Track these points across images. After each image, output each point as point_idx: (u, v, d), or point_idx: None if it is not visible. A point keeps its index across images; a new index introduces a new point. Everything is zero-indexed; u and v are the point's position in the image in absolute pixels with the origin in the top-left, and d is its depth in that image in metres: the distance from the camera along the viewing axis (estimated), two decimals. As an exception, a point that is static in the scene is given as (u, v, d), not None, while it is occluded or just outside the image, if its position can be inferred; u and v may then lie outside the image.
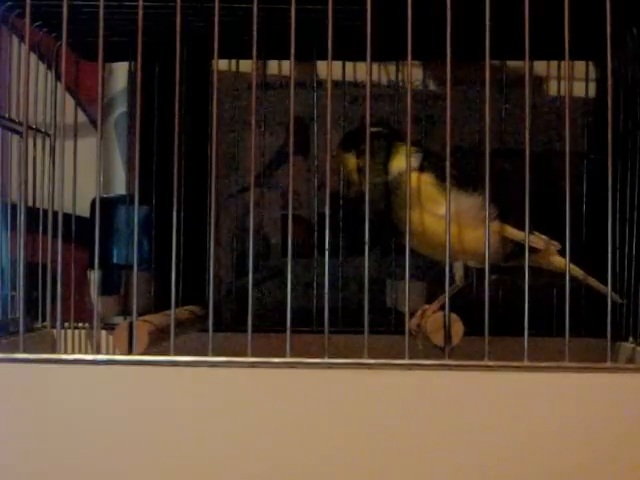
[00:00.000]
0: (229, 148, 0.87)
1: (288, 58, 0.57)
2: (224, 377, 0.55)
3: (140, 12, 0.57)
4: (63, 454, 0.55)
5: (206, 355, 0.56)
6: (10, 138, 0.69)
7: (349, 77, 0.84)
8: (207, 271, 0.57)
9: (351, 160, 0.66)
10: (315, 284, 0.81)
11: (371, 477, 0.54)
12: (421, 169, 0.64)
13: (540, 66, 0.84)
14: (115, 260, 0.84)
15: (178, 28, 0.57)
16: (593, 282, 0.66)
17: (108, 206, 0.83)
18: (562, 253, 0.63)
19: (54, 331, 0.71)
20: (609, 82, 0.57)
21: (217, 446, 0.55)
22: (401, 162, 0.64)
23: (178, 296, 0.59)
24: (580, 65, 0.83)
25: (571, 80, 0.81)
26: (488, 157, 0.57)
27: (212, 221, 0.59)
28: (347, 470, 0.54)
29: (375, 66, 0.86)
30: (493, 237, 0.62)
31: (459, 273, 0.65)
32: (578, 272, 0.65)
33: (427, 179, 0.64)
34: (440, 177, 0.63)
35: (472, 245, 0.63)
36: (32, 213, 0.68)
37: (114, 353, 0.60)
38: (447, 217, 0.57)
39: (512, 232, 0.64)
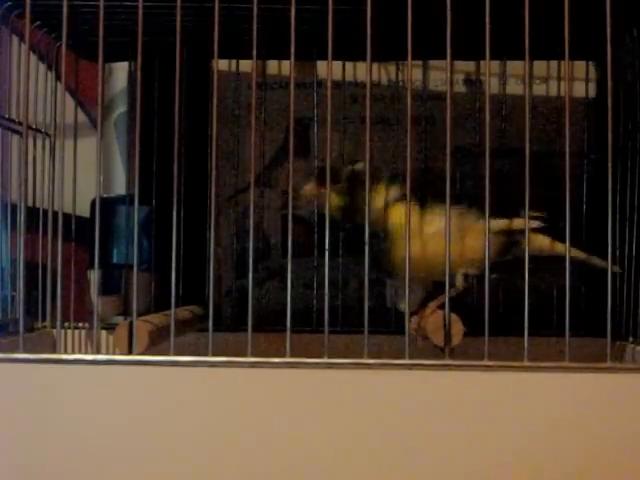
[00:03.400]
0: (229, 148, 0.87)
1: (288, 58, 0.57)
2: (224, 377, 0.55)
3: (140, 12, 0.57)
4: (63, 454, 0.55)
5: (206, 355, 0.56)
6: (10, 138, 0.69)
7: (349, 77, 0.84)
8: (207, 271, 0.57)
9: (333, 199, 0.65)
10: (315, 284, 0.81)
11: (371, 477, 0.54)
12: (403, 198, 0.64)
13: (540, 66, 0.84)
14: (115, 260, 0.84)
15: (178, 28, 0.56)
16: (596, 261, 0.66)
17: (108, 206, 0.84)
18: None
19: (54, 331, 0.71)
20: (609, 82, 0.57)
21: (217, 446, 0.55)
22: (382, 197, 0.65)
23: (178, 296, 0.59)
24: (580, 65, 0.83)
25: (571, 80, 0.81)
26: (488, 157, 0.57)
27: (212, 221, 0.59)
28: (347, 470, 0.54)
29: (375, 66, 0.86)
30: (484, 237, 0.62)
31: (460, 280, 0.65)
32: (579, 254, 0.65)
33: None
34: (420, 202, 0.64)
35: (471, 255, 0.63)
36: (32, 213, 0.68)
37: (114, 353, 0.60)
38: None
39: (499, 223, 0.65)
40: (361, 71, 0.84)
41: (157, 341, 0.60)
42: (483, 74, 0.85)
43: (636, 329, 0.66)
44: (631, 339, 0.67)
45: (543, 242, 0.66)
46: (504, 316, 0.69)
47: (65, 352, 0.69)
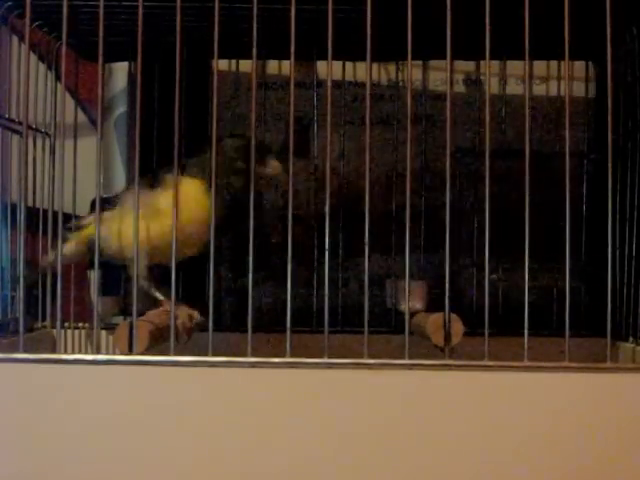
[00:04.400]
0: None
1: (288, 58, 0.57)
2: (224, 377, 0.55)
3: (140, 12, 0.57)
4: (63, 454, 0.55)
5: (206, 355, 0.56)
6: (10, 138, 0.69)
7: (349, 77, 0.84)
8: (207, 271, 0.57)
9: None
10: (315, 284, 0.81)
11: (371, 477, 0.54)
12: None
13: (540, 66, 0.84)
14: (115, 260, 0.83)
15: (178, 28, 0.57)
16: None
17: (108, 206, 0.83)
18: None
19: (54, 331, 0.71)
20: (609, 82, 0.57)
21: (217, 446, 0.55)
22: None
23: (178, 296, 0.59)
24: (580, 65, 0.83)
25: (571, 80, 0.81)
26: (488, 157, 0.57)
27: (212, 220, 0.59)
28: (347, 470, 0.54)
29: (375, 66, 0.86)
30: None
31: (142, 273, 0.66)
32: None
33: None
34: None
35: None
36: (32, 213, 0.68)
37: (114, 353, 0.60)
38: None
39: None
40: (361, 71, 0.84)
41: (157, 341, 0.60)
42: (483, 74, 0.85)
43: (636, 329, 0.66)
44: (631, 339, 0.67)
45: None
46: (504, 316, 0.69)
47: (65, 352, 0.69)
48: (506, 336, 0.62)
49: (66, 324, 0.74)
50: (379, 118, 0.86)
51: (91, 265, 0.76)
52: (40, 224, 0.69)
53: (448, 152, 0.57)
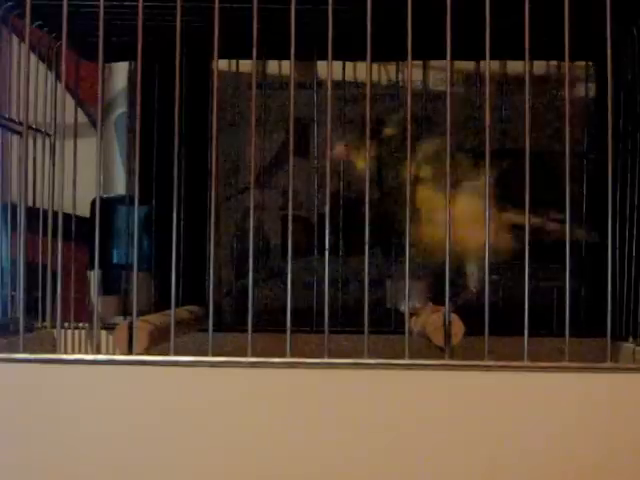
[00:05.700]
0: (229, 148, 0.87)
1: (288, 58, 0.57)
2: (224, 377, 0.55)
3: (140, 12, 0.57)
4: (63, 454, 0.55)
5: (206, 355, 0.56)
6: (10, 138, 0.69)
7: (349, 77, 0.84)
8: (207, 271, 0.57)
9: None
10: (315, 284, 0.81)
11: (371, 477, 0.54)
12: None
13: (540, 66, 0.84)
14: (115, 260, 0.84)
15: (178, 28, 0.57)
16: None
17: (108, 206, 0.84)
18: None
19: (54, 331, 0.71)
20: (609, 82, 0.57)
21: (217, 446, 0.55)
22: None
23: (178, 296, 0.59)
24: (580, 65, 0.83)
25: (571, 80, 0.81)
26: (488, 157, 0.57)
27: (212, 221, 0.59)
28: (347, 470, 0.54)
29: (375, 66, 0.86)
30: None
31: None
32: None
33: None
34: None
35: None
36: (32, 213, 0.68)
37: (114, 353, 0.60)
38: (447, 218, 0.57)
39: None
40: (361, 71, 0.84)
41: (157, 341, 0.60)
42: (483, 74, 0.85)
43: (636, 329, 0.66)
44: (631, 339, 0.67)
45: None
46: (504, 316, 0.69)
47: (65, 352, 0.69)
48: (506, 336, 0.62)
49: (66, 324, 0.74)
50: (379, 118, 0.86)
51: (91, 265, 0.77)
52: (40, 224, 0.69)
53: (448, 152, 0.57)
